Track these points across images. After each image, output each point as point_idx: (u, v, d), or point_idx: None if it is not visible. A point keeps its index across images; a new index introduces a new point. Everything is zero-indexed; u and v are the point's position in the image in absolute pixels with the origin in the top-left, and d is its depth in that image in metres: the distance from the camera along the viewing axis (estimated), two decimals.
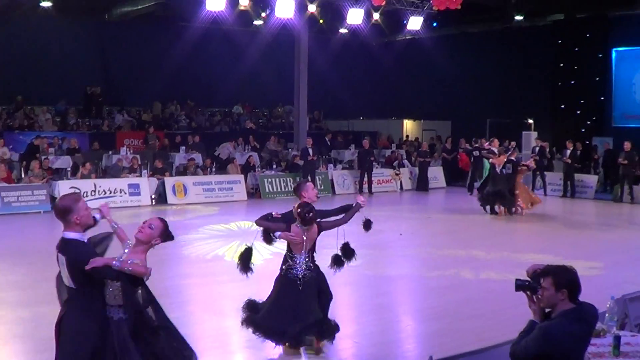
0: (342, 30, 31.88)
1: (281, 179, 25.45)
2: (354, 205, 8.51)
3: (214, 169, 24.89)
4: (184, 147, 26.92)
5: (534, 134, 28.58)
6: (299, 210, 7.91)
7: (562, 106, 31.79)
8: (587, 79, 30.89)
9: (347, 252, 8.45)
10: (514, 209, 20.32)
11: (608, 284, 11.63)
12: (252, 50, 32.52)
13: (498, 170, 20.19)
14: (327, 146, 30.94)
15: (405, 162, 29.59)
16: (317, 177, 25.44)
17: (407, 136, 36.18)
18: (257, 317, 7.95)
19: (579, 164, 26.99)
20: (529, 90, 33.27)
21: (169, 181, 23.09)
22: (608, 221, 20.09)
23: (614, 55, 30.63)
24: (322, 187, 25.97)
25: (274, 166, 26.63)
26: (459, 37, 35.64)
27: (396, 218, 19.65)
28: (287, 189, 25.24)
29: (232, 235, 16.47)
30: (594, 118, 31.02)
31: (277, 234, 7.92)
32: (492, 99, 34.98)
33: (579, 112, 31.24)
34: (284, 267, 8.05)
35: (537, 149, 26.52)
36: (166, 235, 5.99)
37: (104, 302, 5.63)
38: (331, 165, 27.68)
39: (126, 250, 5.90)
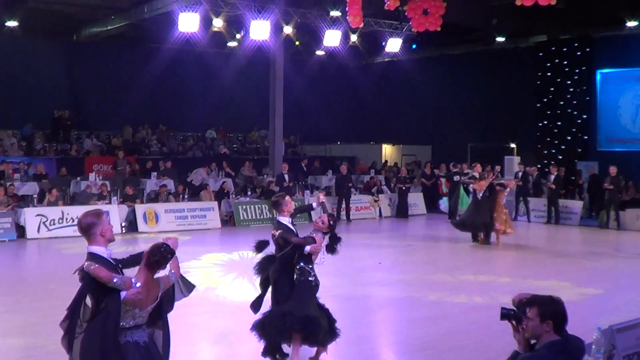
0: (319, 53, 32.03)
1: (256, 206, 25.37)
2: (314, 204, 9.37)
3: (186, 196, 24.78)
4: (155, 173, 26.79)
5: (517, 159, 28.76)
6: (330, 220, 8.85)
7: (546, 130, 32.05)
8: (571, 101, 31.20)
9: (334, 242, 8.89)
10: (491, 240, 20.25)
11: (595, 313, 11.67)
12: (226, 73, 32.60)
13: (479, 196, 20.19)
14: (303, 172, 30.91)
15: (384, 188, 29.65)
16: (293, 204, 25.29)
17: (386, 161, 36.28)
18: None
19: (563, 189, 27.19)
20: (511, 114, 33.54)
21: (140, 208, 22.94)
22: (594, 248, 20.17)
23: (598, 77, 30.99)
24: (299, 214, 25.78)
25: (249, 193, 26.58)
26: (439, 59, 35.95)
27: (375, 246, 19.62)
28: (262, 216, 25.16)
29: (204, 266, 16.35)
30: (579, 142, 31.30)
31: (308, 248, 8.54)
32: (473, 123, 35.23)
33: (562, 135, 31.51)
34: (303, 278, 8.62)
35: (520, 173, 26.68)
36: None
37: (118, 325, 5.68)
38: (308, 191, 27.61)
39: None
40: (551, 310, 4.74)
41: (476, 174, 21.06)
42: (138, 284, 5.71)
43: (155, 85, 32.14)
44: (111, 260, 5.89)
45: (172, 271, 6.11)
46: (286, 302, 8.51)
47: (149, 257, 5.90)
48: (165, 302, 6.08)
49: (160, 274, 6.00)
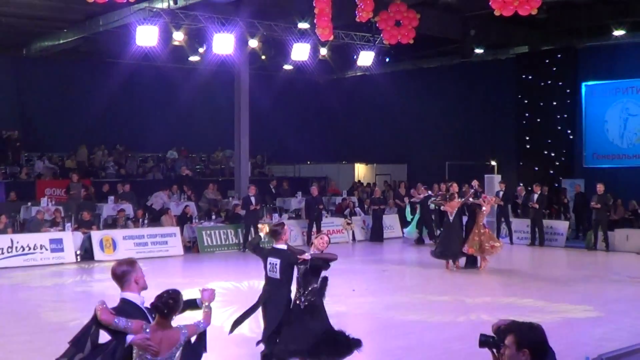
0: (287, 67, 32.06)
1: (221, 231, 25.23)
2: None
3: (146, 221, 24.58)
4: (112, 197, 26.56)
5: (498, 177, 28.86)
6: (328, 238, 10.15)
7: (528, 146, 32.31)
8: (554, 116, 31.49)
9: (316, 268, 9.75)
10: (479, 264, 20.27)
11: (583, 341, 11.68)
12: (187, 90, 32.54)
13: (451, 218, 20.20)
14: (271, 194, 30.86)
15: (358, 210, 29.65)
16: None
17: (359, 181, 36.32)
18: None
19: (547, 208, 27.32)
20: (491, 130, 33.79)
21: (96, 235, 22.71)
22: (582, 271, 20.24)
23: (583, 89, 31.31)
24: (267, 240, 25.74)
25: (213, 217, 26.42)
26: (414, 73, 36.14)
27: (348, 272, 19.49)
28: (227, 242, 25.04)
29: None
30: (563, 158, 31.58)
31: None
32: (451, 140, 35.42)
33: (546, 152, 31.80)
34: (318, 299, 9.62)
35: (502, 192, 26.77)
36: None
37: None
38: (276, 214, 27.52)
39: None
40: (528, 338, 4.62)
41: (439, 195, 21.11)
42: (147, 330, 5.94)
43: (112, 102, 31.96)
44: (143, 308, 6.24)
45: (202, 320, 6.39)
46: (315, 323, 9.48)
47: (155, 300, 6.10)
48: (190, 350, 6.27)
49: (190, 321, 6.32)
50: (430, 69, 35.83)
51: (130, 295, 6.22)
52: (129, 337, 5.92)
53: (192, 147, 36.58)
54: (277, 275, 9.70)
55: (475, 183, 24.32)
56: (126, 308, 6.12)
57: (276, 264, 9.74)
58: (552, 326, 12.35)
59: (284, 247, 9.92)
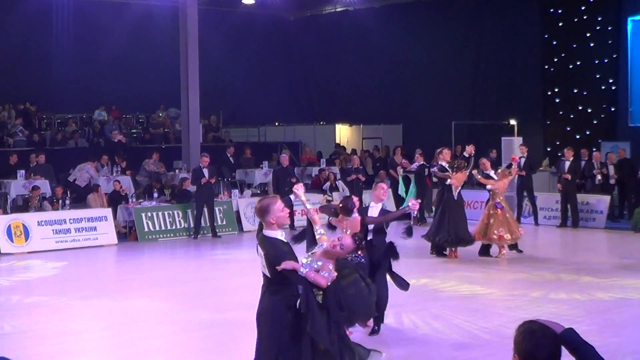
0: (247, 1, 31.73)
1: (166, 213, 25.00)
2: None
3: (68, 202, 24.29)
4: (23, 172, 26.23)
5: (518, 140, 28.75)
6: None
7: (557, 100, 32.22)
8: (591, 61, 31.37)
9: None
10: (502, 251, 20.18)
11: (630, 349, 11.60)
12: (118, 31, 32.23)
13: (455, 194, 19.92)
14: (229, 164, 30.62)
15: (340, 183, 29.44)
16: (216, 209, 25.07)
17: (342, 147, 36.16)
18: None
19: (582, 179, 27.20)
20: (509, 80, 33.67)
21: (2, 220, 22.41)
22: (626, 260, 20.09)
23: (629, 26, 31.07)
24: (225, 222, 25.63)
25: (155, 195, 26.19)
26: (411, 8, 35.92)
27: None
28: (174, 226, 24.82)
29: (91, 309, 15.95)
30: (603, 116, 31.53)
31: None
32: (458, 94, 35.29)
33: (580, 107, 31.75)
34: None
35: (523, 160, 26.62)
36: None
37: (295, 291, 8.33)
38: (236, 191, 27.36)
39: (315, 251, 8.70)
40: (522, 345, 5.03)
41: (444, 163, 20.57)
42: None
43: (19, 47, 31.52)
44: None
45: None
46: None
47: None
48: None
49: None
50: (431, 3, 35.62)
51: (270, 233, 8.37)
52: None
53: (125, 106, 36.29)
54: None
55: (493, 153, 24.30)
56: (267, 243, 8.32)
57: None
58: (591, 330, 12.24)
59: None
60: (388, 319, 13.20)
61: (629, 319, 13.76)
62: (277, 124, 39.37)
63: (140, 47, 34.71)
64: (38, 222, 22.83)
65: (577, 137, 31.26)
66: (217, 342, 12.24)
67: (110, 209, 24.38)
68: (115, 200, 25.28)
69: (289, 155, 28.61)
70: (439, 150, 20.65)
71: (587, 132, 31.39)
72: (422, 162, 26.86)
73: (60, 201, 24.25)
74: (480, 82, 34.90)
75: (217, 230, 25.04)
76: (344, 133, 38.17)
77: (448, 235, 19.92)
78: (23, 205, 24.44)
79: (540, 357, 4.97)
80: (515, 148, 27.82)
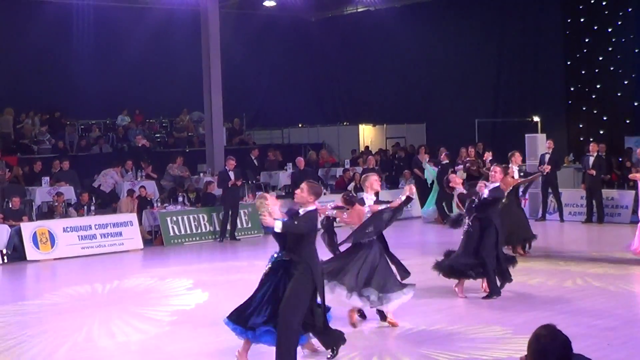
0: (268, 3, 31.77)
1: (191, 217, 25.00)
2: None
3: (93, 208, 24.37)
4: (47, 178, 26.34)
5: (542, 137, 28.64)
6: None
7: (580, 96, 32.04)
8: (614, 56, 31.18)
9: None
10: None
11: None
12: (140, 36, 32.24)
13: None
14: (253, 167, 30.64)
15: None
16: (241, 211, 25.09)
17: (367, 147, 36.13)
18: None
19: (607, 174, 27.02)
20: (532, 77, 33.52)
21: (28, 228, 22.44)
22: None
23: None
24: (250, 225, 25.64)
25: (180, 199, 26.21)
26: (432, 6, 35.85)
27: None
28: (199, 230, 24.83)
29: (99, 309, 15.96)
30: (626, 110, 31.30)
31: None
32: (481, 92, 35.17)
33: (604, 102, 31.57)
34: None
35: (547, 156, 26.53)
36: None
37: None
38: (261, 192, 27.33)
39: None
40: (531, 347, 5.34)
41: (516, 167, 20.64)
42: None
43: (41, 55, 31.61)
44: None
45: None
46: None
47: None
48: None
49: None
50: (452, 1, 35.52)
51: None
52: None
53: (149, 110, 36.37)
54: None
55: (471, 151, 24.29)
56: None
57: None
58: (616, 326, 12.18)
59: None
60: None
61: None
62: (300, 125, 39.36)
63: (162, 51, 34.75)
64: (64, 228, 22.87)
65: (601, 132, 31.09)
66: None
67: (135, 214, 24.44)
68: (141, 205, 25.32)
69: (315, 156, 28.56)
70: (510, 153, 20.73)
71: (611, 127, 31.20)
72: (446, 161, 26.79)
73: (86, 207, 24.32)
74: (502, 80, 34.77)
75: (242, 234, 25.07)
76: (367, 133, 38.11)
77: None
78: (48, 212, 24.51)
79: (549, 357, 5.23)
80: (539, 145, 27.73)
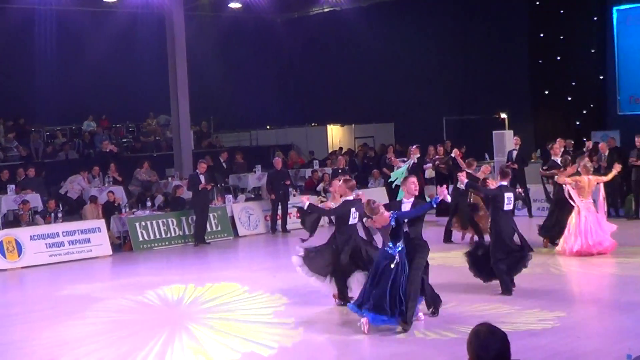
0: (233, 5, 31.68)
1: (160, 221, 24.90)
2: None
3: (60, 214, 24.24)
4: (13, 186, 26.17)
5: (510, 134, 28.79)
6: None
7: (546, 92, 32.22)
8: (579, 52, 31.39)
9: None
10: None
11: (621, 336, 11.62)
12: (103, 41, 32.08)
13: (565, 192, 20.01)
14: (222, 170, 30.57)
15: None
16: (210, 215, 25.04)
17: (341, 148, 36.16)
18: None
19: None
20: (499, 75, 33.63)
21: None
22: (619, 247, 20.01)
23: (614, 16, 31.08)
24: (220, 228, 25.58)
25: (148, 204, 26.14)
26: (399, 7, 35.87)
27: None
28: (169, 234, 24.74)
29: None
30: (592, 105, 31.54)
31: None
32: (448, 90, 35.31)
33: (570, 98, 31.76)
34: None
35: (515, 152, 26.64)
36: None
37: None
38: (229, 196, 27.31)
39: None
40: (470, 347, 5.33)
41: (557, 159, 21.10)
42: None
43: (3, 61, 31.44)
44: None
45: None
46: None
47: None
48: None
49: None
50: (419, 0, 35.57)
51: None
52: None
53: (115, 115, 36.21)
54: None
55: (440, 149, 24.39)
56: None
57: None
58: (573, 321, 12.26)
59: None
60: None
61: None
62: (268, 127, 39.34)
63: (127, 55, 34.60)
64: (31, 236, 22.68)
65: (567, 127, 31.25)
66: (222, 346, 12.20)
67: (103, 220, 24.28)
68: (108, 211, 25.18)
69: (282, 159, 28.59)
70: (549, 145, 21.04)
71: (577, 123, 31.40)
72: (418, 155, 26.83)
73: (53, 214, 24.16)
74: (469, 77, 34.91)
75: (212, 237, 25.03)
76: (335, 133, 38.15)
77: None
78: (14, 220, 24.35)
79: (488, 357, 5.25)
80: (507, 141, 27.87)
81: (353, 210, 14.35)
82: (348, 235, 14.35)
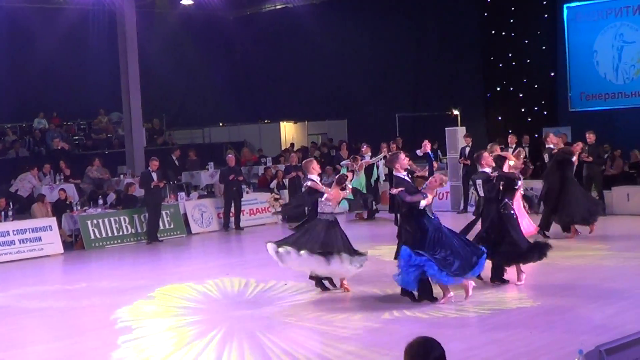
0: (185, 2, 31.64)
1: (112, 219, 24.80)
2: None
3: (10, 213, 24.08)
4: None
5: (462, 130, 28.94)
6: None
7: (499, 89, 32.50)
8: (530, 49, 31.66)
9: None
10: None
11: (575, 331, 11.71)
12: (53, 37, 31.89)
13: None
14: (174, 167, 30.52)
15: (287, 181, 29.49)
16: (163, 213, 25.01)
17: (293, 144, 36.21)
18: None
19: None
20: (450, 71, 33.83)
21: None
22: (571, 242, 20.17)
23: (565, 13, 31.44)
24: (173, 226, 25.56)
25: (100, 201, 26.03)
26: (351, 2, 35.93)
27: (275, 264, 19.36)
28: (121, 232, 24.65)
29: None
30: (543, 102, 31.87)
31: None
32: (401, 86, 35.45)
33: (521, 95, 32.08)
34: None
35: (468, 149, 26.81)
36: None
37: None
38: (182, 194, 27.25)
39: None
40: (413, 350, 5.41)
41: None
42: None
43: None
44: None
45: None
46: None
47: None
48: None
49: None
50: None
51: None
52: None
53: (66, 113, 35.99)
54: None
55: (393, 146, 24.63)
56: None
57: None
58: (523, 317, 12.43)
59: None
60: None
61: None
62: (221, 124, 39.27)
63: (78, 51, 34.42)
64: None
65: (520, 124, 31.50)
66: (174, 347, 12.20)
67: (54, 219, 24.12)
68: (59, 209, 25.03)
69: (235, 156, 28.60)
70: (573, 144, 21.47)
71: (529, 119, 31.67)
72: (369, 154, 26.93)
73: (3, 213, 24.00)
74: (422, 74, 35.07)
75: (164, 235, 25.02)
76: (289, 130, 38.19)
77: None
78: None
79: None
80: (459, 138, 28.01)
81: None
82: (326, 222, 15.11)
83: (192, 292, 16.03)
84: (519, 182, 15.46)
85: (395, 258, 14.84)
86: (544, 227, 20.54)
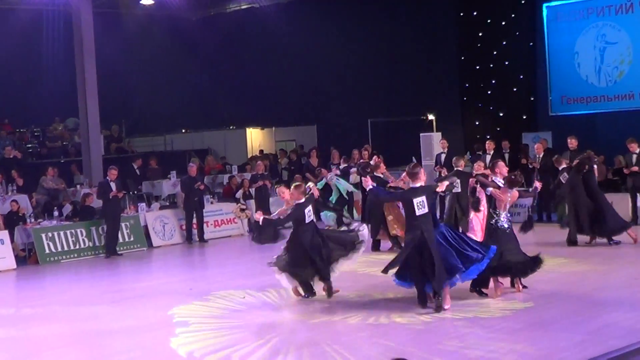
0: (146, 2, 31.50)
1: (68, 232, 24.60)
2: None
3: None
4: None
5: (438, 136, 28.93)
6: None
7: (475, 93, 32.52)
8: (508, 51, 31.73)
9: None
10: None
11: (560, 345, 11.70)
12: (5, 39, 31.69)
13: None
14: (135, 177, 30.34)
15: (253, 190, 29.36)
16: (122, 225, 24.81)
17: (262, 151, 36.12)
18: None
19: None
20: (426, 75, 33.88)
21: None
22: (557, 251, 20.19)
23: (544, 12, 31.47)
24: (133, 239, 25.36)
25: (55, 213, 25.82)
26: (322, 4, 35.91)
27: (242, 275, 19.26)
28: (78, 246, 24.43)
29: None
30: (523, 106, 31.91)
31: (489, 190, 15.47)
32: (374, 91, 35.42)
33: (500, 99, 32.15)
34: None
35: (444, 156, 26.75)
36: None
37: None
38: (143, 204, 27.07)
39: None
40: None
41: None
42: None
43: None
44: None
45: None
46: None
47: None
48: None
49: None
50: None
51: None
52: None
53: (18, 119, 35.78)
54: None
55: (365, 153, 24.77)
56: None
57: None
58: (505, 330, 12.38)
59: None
60: None
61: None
62: (184, 130, 39.16)
63: (31, 55, 34.21)
64: None
65: (498, 129, 31.55)
66: None
67: (7, 232, 23.89)
68: (11, 221, 24.79)
69: (198, 164, 28.46)
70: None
71: (508, 124, 31.69)
72: (345, 165, 26.85)
73: None
74: (395, 78, 35.02)
75: (124, 248, 24.82)
76: (255, 137, 38.10)
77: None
78: None
79: None
80: (435, 144, 27.99)
81: (307, 209, 15.70)
82: (310, 232, 15.62)
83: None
84: (490, 189, 15.61)
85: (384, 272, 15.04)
86: (571, 243, 21.28)
